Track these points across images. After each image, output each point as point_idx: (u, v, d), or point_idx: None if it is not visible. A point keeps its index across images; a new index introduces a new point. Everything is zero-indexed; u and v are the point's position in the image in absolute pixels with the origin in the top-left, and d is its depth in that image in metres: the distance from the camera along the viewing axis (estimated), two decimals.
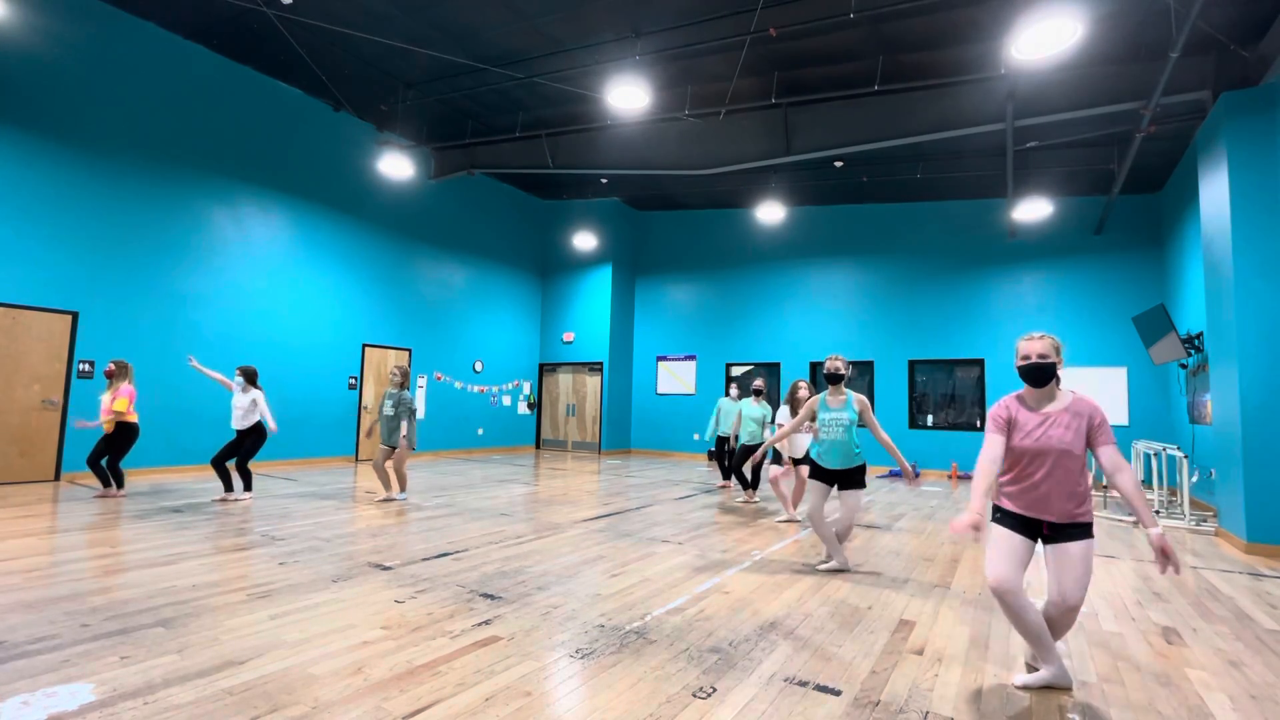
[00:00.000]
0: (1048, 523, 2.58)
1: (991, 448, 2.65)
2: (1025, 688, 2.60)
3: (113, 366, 6.52)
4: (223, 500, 6.39)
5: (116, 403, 6.36)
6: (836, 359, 4.48)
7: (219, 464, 6.44)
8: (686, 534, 5.52)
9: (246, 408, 6.48)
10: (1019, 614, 2.53)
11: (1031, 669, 2.74)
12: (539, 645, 2.89)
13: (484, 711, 2.26)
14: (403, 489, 6.89)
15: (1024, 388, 2.75)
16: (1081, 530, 2.55)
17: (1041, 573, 4.53)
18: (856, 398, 4.43)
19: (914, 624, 3.34)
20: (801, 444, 6.52)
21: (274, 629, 2.99)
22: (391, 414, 6.69)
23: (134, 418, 6.51)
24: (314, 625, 3.05)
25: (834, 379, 4.47)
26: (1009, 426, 2.68)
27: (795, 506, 6.49)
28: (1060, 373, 2.71)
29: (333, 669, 2.57)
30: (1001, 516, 2.70)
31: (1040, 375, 2.63)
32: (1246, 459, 5.48)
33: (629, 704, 2.35)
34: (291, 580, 3.78)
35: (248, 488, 6.55)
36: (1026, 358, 2.66)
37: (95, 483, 7.25)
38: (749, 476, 7.60)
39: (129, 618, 3.08)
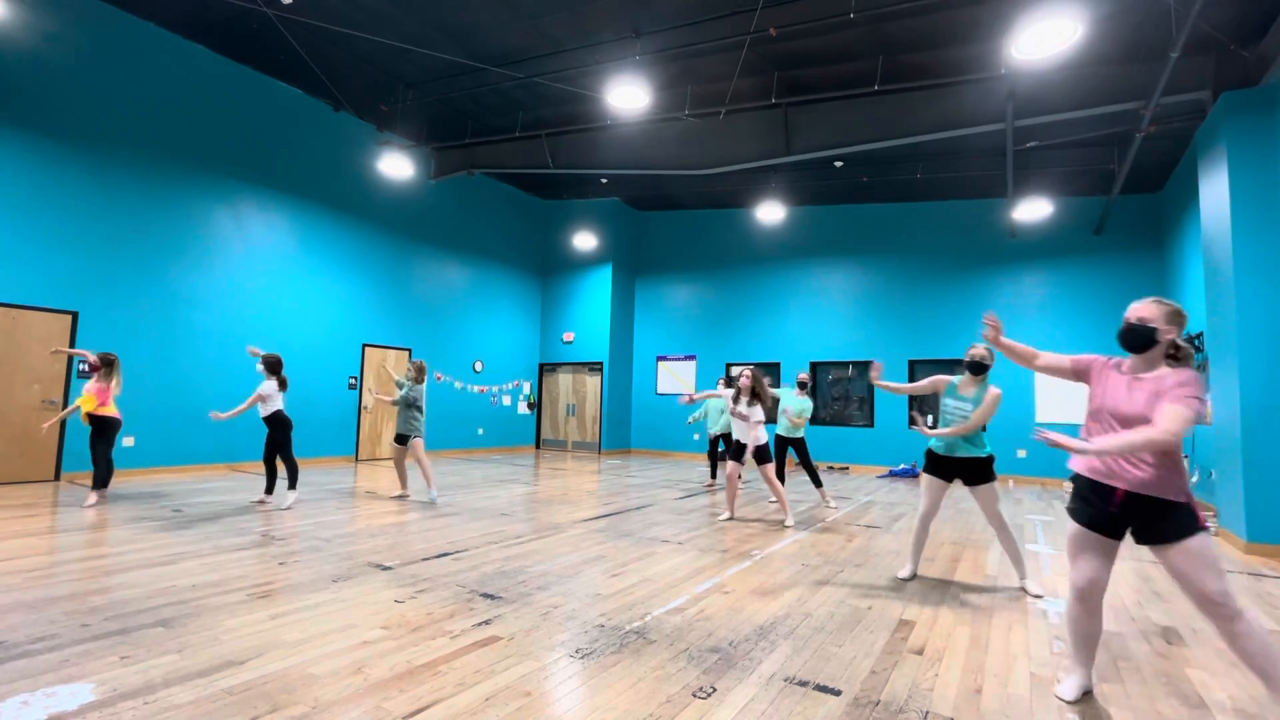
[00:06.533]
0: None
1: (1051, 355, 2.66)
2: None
3: (97, 360, 6.16)
4: (260, 502, 6.25)
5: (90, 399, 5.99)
6: (979, 347, 3.92)
7: (266, 461, 6.24)
8: (686, 534, 5.52)
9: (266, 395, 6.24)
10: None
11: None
12: (539, 645, 2.89)
13: (484, 711, 2.26)
14: (429, 484, 6.80)
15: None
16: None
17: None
18: (988, 394, 3.87)
19: (914, 624, 3.34)
20: (739, 430, 6.03)
21: (274, 629, 2.99)
22: (401, 405, 6.77)
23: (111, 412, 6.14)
24: (314, 625, 3.05)
25: (978, 368, 3.93)
26: (1089, 372, 2.51)
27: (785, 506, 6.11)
28: (1176, 343, 2.37)
29: (333, 669, 2.57)
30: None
31: (1132, 339, 2.38)
32: (1246, 459, 5.48)
33: (629, 704, 2.35)
34: (291, 580, 3.78)
35: (291, 485, 6.25)
36: (1126, 320, 2.41)
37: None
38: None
39: (129, 618, 3.07)
